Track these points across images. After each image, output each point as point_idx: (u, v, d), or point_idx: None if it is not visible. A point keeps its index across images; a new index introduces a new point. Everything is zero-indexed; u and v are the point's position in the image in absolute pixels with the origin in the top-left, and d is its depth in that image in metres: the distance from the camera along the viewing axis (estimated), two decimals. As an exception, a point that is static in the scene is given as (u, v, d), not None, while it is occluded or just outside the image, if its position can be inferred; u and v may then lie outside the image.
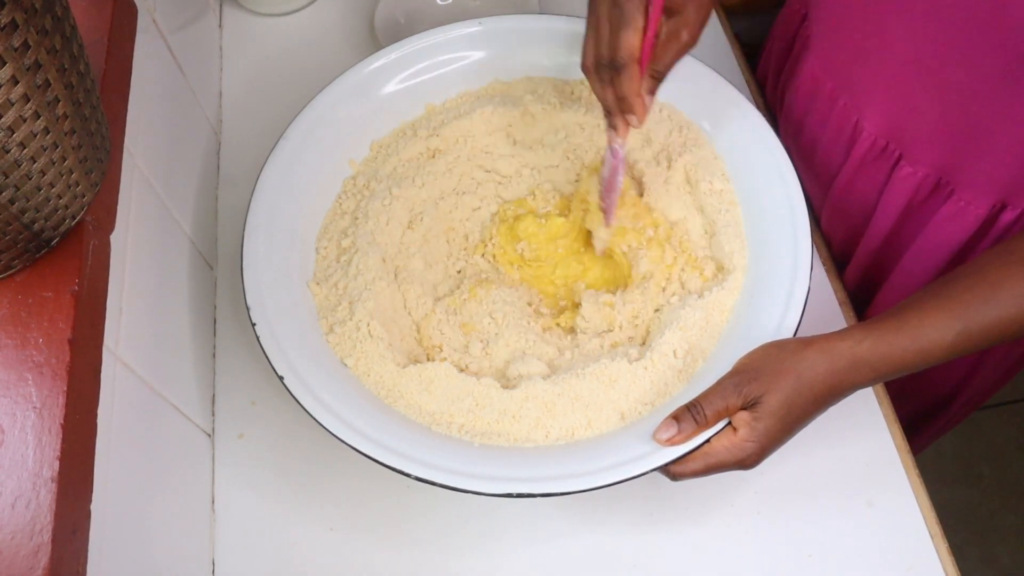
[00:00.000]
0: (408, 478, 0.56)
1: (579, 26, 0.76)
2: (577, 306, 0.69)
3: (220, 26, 0.94)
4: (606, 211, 0.70)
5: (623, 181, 0.71)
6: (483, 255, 0.74)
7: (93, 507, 0.45)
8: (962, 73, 0.58)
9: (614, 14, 0.56)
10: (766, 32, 0.87)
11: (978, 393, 0.89)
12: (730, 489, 0.65)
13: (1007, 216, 0.64)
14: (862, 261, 0.77)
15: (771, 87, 0.85)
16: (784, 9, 0.81)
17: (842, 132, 0.71)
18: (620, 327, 0.67)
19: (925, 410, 0.94)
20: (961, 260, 0.69)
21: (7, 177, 0.42)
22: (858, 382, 0.55)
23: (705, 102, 0.73)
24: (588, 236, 0.72)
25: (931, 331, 0.53)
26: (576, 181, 0.75)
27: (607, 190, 0.68)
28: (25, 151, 0.42)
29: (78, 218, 0.49)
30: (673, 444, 0.56)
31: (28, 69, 0.40)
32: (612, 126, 0.61)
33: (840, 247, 0.80)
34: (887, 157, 0.68)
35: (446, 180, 0.74)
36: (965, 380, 0.85)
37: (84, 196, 0.48)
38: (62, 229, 0.48)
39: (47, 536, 0.40)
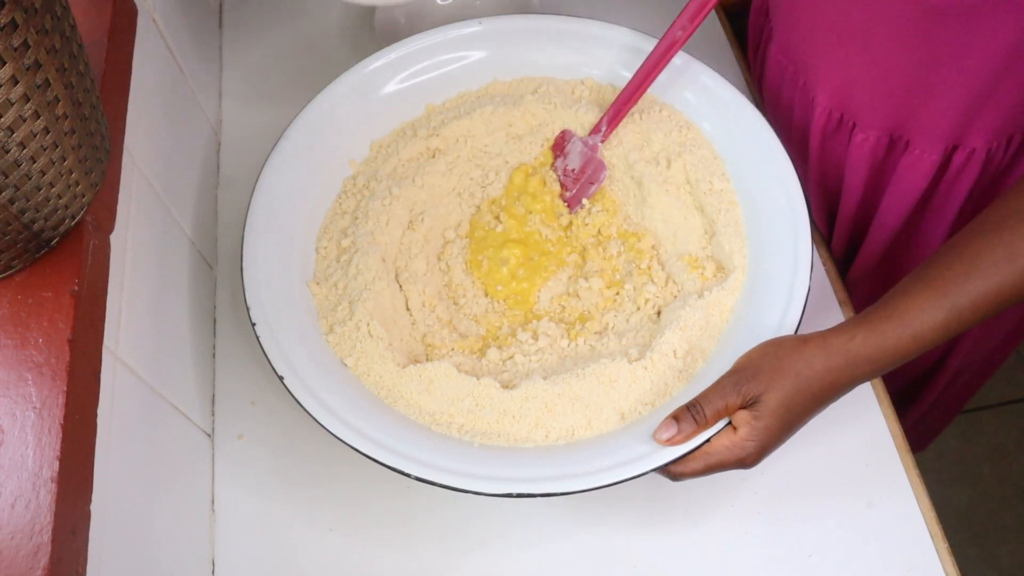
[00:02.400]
0: (408, 478, 0.56)
1: (579, 26, 0.77)
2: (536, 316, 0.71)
3: (220, 26, 0.94)
4: (571, 199, 0.74)
5: (605, 176, 0.73)
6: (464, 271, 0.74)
7: (93, 507, 0.45)
8: (884, 34, 0.62)
9: None
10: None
11: (967, 369, 0.90)
12: (730, 489, 0.65)
13: (958, 157, 0.68)
14: (844, 223, 0.79)
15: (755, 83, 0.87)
16: (752, 3, 0.84)
17: (806, 111, 0.75)
18: (580, 319, 0.69)
19: (905, 388, 0.95)
20: (925, 205, 0.73)
21: (7, 177, 0.42)
22: (857, 377, 0.55)
23: (705, 102, 0.73)
24: (532, 240, 0.74)
25: (920, 314, 0.53)
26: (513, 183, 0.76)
27: (574, 180, 0.72)
28: (25, 151, 0.42)
29: (78, 218, 0.49)
30: (673, 444, 0.56)
31: (28, 69, 0.40)
32: None
33: (824, 213, 0.83)
34: (844, 128, 0.72)
35: (446, 180, 0.74)
36: (945, 355, 0.87)
37: (84, 196, 0.48)
38: (62, 229, 0.48)
39: (47, 536, 0.40)
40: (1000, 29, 0.58)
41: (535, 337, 0.67)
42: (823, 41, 0.68)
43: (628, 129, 0.73)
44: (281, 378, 0.60)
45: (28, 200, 0.44)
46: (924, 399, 0.97)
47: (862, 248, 0.80)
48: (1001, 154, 0.68)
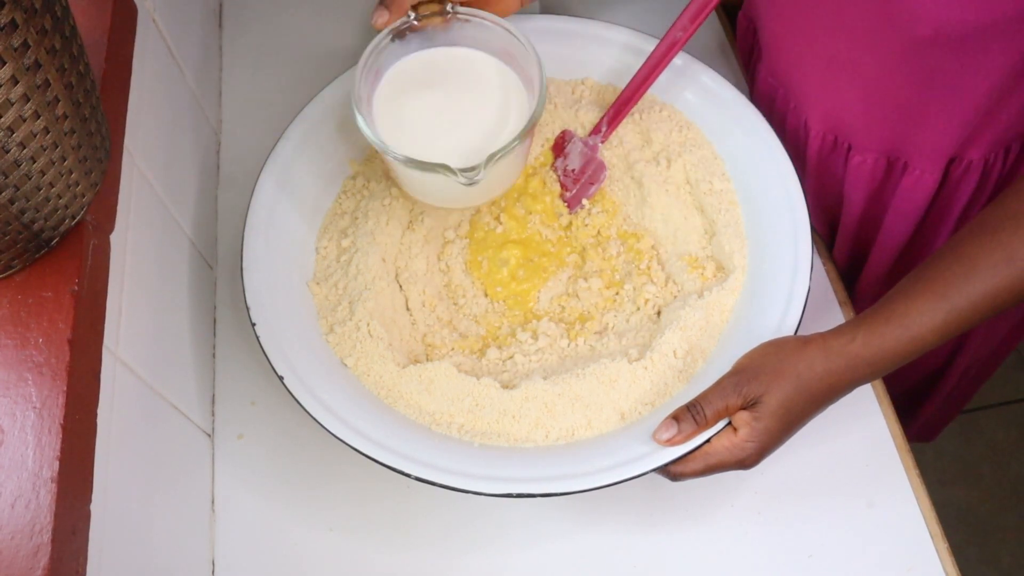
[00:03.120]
0: (408, 478, 0.56)
1: (579, 26, 0.77)
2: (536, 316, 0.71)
3: (220, 26, 0.94)
4: (571, 200, 0.73)
5: (605, 177, 0.73)
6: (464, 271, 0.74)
7: (93, 507, 0.45)
8: (874, 64, 0.62)
9: None
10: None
11: (975, 364, 0.90)
12: (730, 489, 0.65)
13: (956, 169, 0.68)
14: (845, 239, 0.80)
15: None
16: (738, 21, 0.84)
17: (797, 133, 0.75)
18: (580, 320, 0.69)
19: (916, 386, 0.95)
20: (931, 216, 0.74)
21: (7, 177, 0.42)
22: (857, 379, 0.55)
23: (705, 102, 0.73)
24: (532, 241, 0.74)
25: (919, 316, 0.53)
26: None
27: (574, 180, 0.72)
28: (25, 151, 0.42)
29: (78, 218, 0.49)
30: (673, 444, 0.56)
31: (28, 69, 0.40)
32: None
33: (824, 229, 0.83)
34: (839, 150, 0.72)
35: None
36: (955, 352, 0.87)
37: (84, 196, 0.48)
38: (62, 229, 0.48)
39: (47, 536, 0.40)
40: (992, 54, 0.58)
41: (535, 337, 0.67)
42: (812, 68, 0.68)
43: (628, 129, 0.73)
44: (281, 378, 0.60)
45: (28, 200, 0.44)
46: (935, 396, 0.97)
47: (868, 263, 0.80)
48: (1000, 164, 0.68)
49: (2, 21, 0.37)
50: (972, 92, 0.61)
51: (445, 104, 0.64)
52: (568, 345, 0.67)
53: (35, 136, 0.42)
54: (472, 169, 0.57)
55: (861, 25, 0.61)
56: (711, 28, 0.89)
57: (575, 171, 0.73)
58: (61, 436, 0.43)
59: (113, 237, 0.54)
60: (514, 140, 0.59)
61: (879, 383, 0.69)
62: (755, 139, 0.70)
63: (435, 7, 0.61)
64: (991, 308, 0.53)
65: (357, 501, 0.66)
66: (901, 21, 0.57)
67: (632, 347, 0.64)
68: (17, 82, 0.39)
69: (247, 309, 0.63)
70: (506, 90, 0.64)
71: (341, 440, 0.57)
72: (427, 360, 0.66)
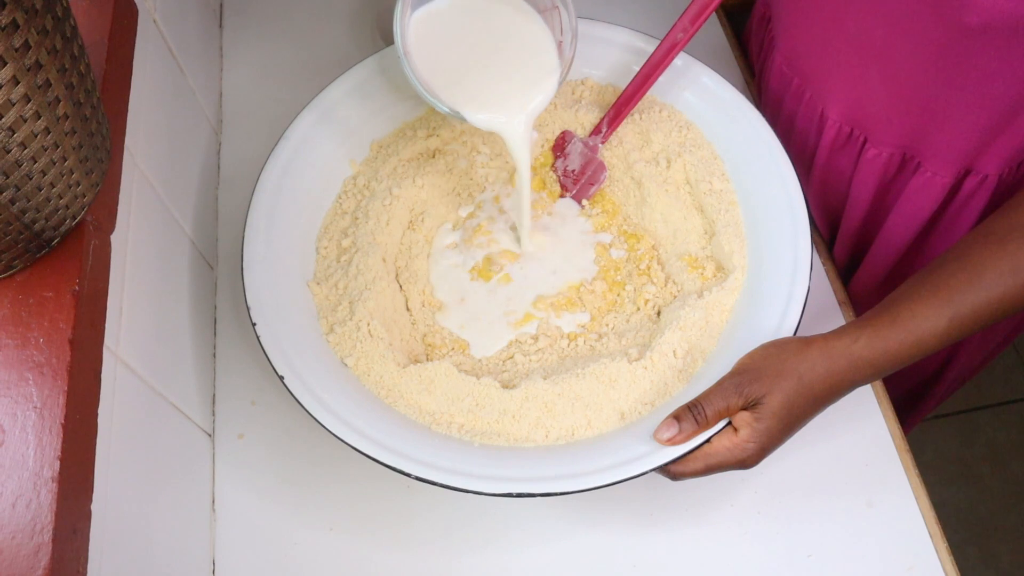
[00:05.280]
0: (408, 478, 0.56)
1: (580, 26, 0.77)
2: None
3: (220, 26, 0.94)
4: (574, 197, 0.74)
5: (605, 177, 0.73)
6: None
7: (93, 507, 0.45)
8: (908, 53, 0.61)
9: None
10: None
11: (966, 368, 0.90)
12: (730, 489, 0.66)
13: (970, 182, 0.67)
14: (846, 238, 0.79)
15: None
16: (753, 12, 0.84)
17: (811, 123, 0.74)
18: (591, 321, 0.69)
19: (911, 391, 0.95)
20: (933, 226, 0.73)
21: (8, 177, 0.42)
22: (858, 380, 0.55)
23: (705, 102, 0.73)
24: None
25: (923, 321, 0.53)
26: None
27: (574, 181, 0.73)
28: (26, 151, 0.42)
29: (79, 218, 0.49)
30: (673, 444, 0.56)
31: (29, 69, 0.40)
32: None
33: (825, 227, 0.82)
34: (853, 142, 0.71)
35: (446, 180, 0.74)
36: (949, 360, 0.87)
37: (84, 196, 0.48)
38: (63, 229, 0.48)
39: (47, 536, 0.40)
40: None
41: (535, 337, 0.67)
42: (837, 55, 0.67)
43: (628, 129, 0.73)
44: (281, 378, 0.60)
45: (29, 200, 0.44)
46: (923, 406, 0.98)
47: (863, 264, 0.79)
48: (1011, 179, 0.68)
49: (3, 21, 0.37)
50: (1001, 93, 0.60)
51: (477, 50, 0.65)
52: (568, 345, 0.67)
53: (36, 136, 0.42)
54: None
55: (901, 11, 0.59)
56: (712, 29, 0.89)
57: (575, 171, 0.74)
58: (62, 436, 0.43)
59: (114, 237, 0.54)
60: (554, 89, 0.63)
61: (879, 383, 0.69)
62: (755, 139, 0.70)
63: None
64: (994, 316, 0.53)
65: (357, 501, 0.66)
66: (949, 8, 0.55)
67: (632, 347, 0.64)
68: (18, 82, 0.39)
69: (247, 309, 0.63)
70: (528, 24, 0.65)
71: (341, 440, 0.57)
72: (427, 360, 0.67)
